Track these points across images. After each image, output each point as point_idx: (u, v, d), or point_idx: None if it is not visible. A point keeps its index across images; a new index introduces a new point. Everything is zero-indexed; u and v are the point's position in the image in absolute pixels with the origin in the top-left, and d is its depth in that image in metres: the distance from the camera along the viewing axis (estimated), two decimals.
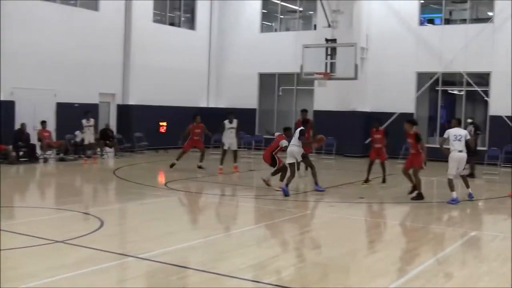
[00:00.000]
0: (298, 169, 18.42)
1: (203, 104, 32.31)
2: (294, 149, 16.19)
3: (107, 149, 25.62)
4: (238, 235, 11.18)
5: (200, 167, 20.98)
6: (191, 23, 32.49)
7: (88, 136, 23.51)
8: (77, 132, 24.06)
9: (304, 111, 20.31)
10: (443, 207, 15.08)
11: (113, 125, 27.66)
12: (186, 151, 21.08)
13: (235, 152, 20.74)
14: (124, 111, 28.48)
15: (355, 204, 15.08)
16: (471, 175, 20.67)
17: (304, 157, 16.95)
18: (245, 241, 10.59)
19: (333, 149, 27.20)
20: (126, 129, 27.97)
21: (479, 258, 9.94)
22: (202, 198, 16.03)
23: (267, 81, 32.22)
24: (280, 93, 31.93)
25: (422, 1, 28.53)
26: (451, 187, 15.06)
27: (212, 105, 32.73)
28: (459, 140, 15.13)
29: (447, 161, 15.35)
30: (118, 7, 27.90)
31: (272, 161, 16.64)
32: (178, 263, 8.79)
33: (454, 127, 15.62)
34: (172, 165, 20.48)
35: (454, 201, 14.94)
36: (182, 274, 8.34)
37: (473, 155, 21.05)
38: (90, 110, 24.07)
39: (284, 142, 16.51)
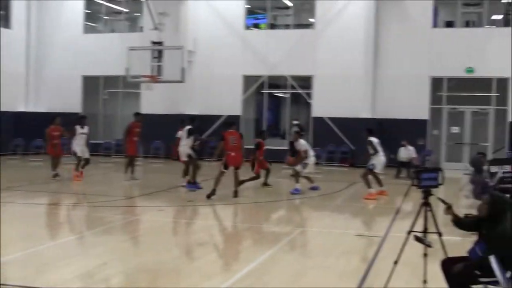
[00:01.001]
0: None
1: (21, 108, 30.77)
2: (180, 148, 17.85)
3: None
4: (62, 245, 10.71)
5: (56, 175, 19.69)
6: (5, 21, 30.45)
7: None
8: None
9: (138, 114, 20.64)
10: (270, 207, 15.54)
11: None
12: (54, 157, 19.81)
13: (86, 160, 19.78)
14: None
15: (184, 208, 15.14)
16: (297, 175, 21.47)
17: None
18: (71, 251, 10.16)
19: (161, 153, 27.19)
20: None
21: (304, 253, 10.34)
22: (26, 208, 15.04)
23: (91, 84, 31.43)
24: (106, 96, 31.31)
25: (248, 6, 29.19)
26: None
27: (31, 109, 31.22)
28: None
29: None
30: None
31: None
32: None
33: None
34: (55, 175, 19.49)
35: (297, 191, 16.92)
36: None
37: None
38: None
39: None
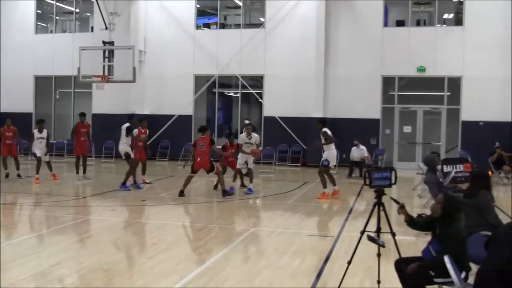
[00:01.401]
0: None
1: None
2: (120, 147, 18.10)
3: None
4: (15, 245, 10.65)
5: (18, 175, 20.08)
6: None
7: None
8: None
9: (83, 115, 20.83)
10: (223, 207, 15.56)
11: None
12: (5, 157, 20.15)
13: (48, 163, 19.95)
14: None
15: (137, 207, 15.07)
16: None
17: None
18: (23, 251, 10.13)
19: (113, 153, 26.96)
20: None
21: (257, 253, 10.37)
22: None
23: (43, 84, 31.18)
24: (57, 96, 31.02)
25: (198, 6, 29.11)
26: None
27: None
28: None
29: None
30: None
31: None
32: None
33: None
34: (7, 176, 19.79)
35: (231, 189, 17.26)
36: None
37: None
38: None
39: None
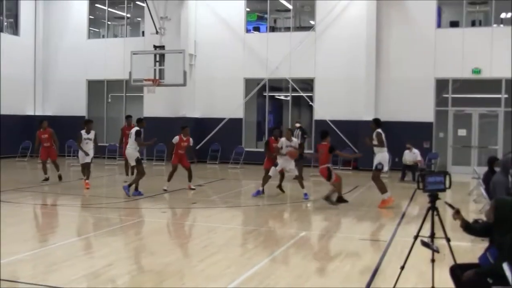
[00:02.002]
0: (132, 173, 18.57)
1: (30, 112, 31.11)
2: (128, 151, 17.28)
3: None
4: (69, 246, 10.78)
5: (59, 177, 19.95)
6: (14, 28, 31.15)
7: None
8: None
9: (129, 117, 20.98)
10: (273, 210, 15.48)
11: None
12: (44, 161, 20.02)
13: (86, 165, 18.92)
14: None
15: (188, 210, 15.10)
16: (299, 177, 21.37)
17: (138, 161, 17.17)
18: (77, 251, 10.27)
19: (164, 155, 27.14)
20: None
21: (308, 257, 10.24)
22: (33, 209, 15.32)
23: (95, 88, 31.63)
24: (109, 100, 31.43)
25: (248, 9, 29.12)
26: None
27: (39, 112, 31.55)
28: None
29: None
30: None
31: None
32: (7, 278, 8.36)
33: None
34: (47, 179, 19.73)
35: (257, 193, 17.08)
36: None
37: (300, 158, 21.81)
38: None
39: (175, 138, 18.06)
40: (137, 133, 16.99)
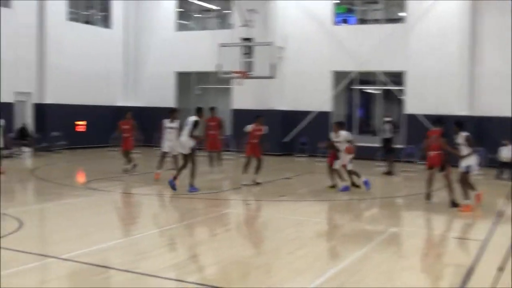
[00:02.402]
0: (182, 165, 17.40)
1: (120, 103, 31.66)
2: (183, 139, 15.82)
3: (25, 148, 24.93)
4: (158, 234, 10.95)
5: (126, 170, 19.66)
6: (106, 21, 31.84)
7: None
8: None
9: (212, 109, 20.96)
10: (363, 204, 15.20)
11: (30, 125, 26.88)
12: (126, 150, 19.89)
13: (175, 157, 18.37)
14: (41, 110, 27.73)
15: (276, 202, 14.98)
16: (389, 172, 20.99)
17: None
18: (166, 240, 10.41)
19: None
20: (43, 128, 27.28)
21: (398, 254, 9.95)
22: (122, 198, 15.63)
23: (184, 80, 32.00)
24: (198, 92, 31.71)
25: (337, 1, 28.77)
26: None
27: (130, 104, 32.12)
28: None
29: None
30: (31, 4, 27.14)
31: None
32: (100, 263, 8.59)
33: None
34: (126, 170, 19.59)
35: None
36: (105, 274, 8.17)
37: (391, 153, 21.42)
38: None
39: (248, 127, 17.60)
40: (195, 124, 15.91)
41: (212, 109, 21.00)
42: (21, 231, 10.50)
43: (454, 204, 14.12)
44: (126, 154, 20.01)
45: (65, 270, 8.29)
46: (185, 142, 15.67)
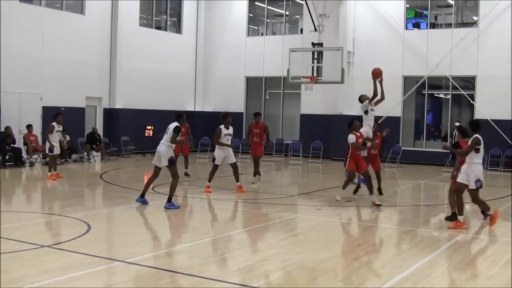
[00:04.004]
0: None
1: (190, 107, 32.24)
2: (161, 149, 14.28)
3: (94, 153, 25.63)
4: (225, 239, 11.12)
5: (186, 174, 19.62)
6: (177, 27, 32.54)
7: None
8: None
9: (258, 114, 19.95)
10: (430, 211, 15.14)
11: (99, 129, 27.62)
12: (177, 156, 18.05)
13: (234, 166, 17.17)
14: (111, 114, 28.46)
15: (343, 207, 15.07)
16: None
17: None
18: (232, 245, 10.56)
19: (320, 153, 27.29)
20: (112, 133, 28.01)
21: (465, 261, 9.93)
22: (188, 202, 15.92)
23: (254, 84, 32.31)
24: (267, 97, 31.97)
25: (408, 6, 28.60)
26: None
27: (199, 108, 32.75)
28: None
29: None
30: (104, 11, 27.92)
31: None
32: (166, 267, 8.77)
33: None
34: (186, 174, 19.45)
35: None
36: (170, 278, 8.32)
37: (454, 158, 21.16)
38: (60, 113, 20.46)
39: (351, 137, 15.28)
40: (176, 130, 14.21)
41: (256, 115, 19.85)
42: (88, 234, 10.80)
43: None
44: (185, 158, 19.92)
45: (130, 274, 8.45)
46: (164, 153, 14.11)
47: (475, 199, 12.90)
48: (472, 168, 12.29)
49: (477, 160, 12.25)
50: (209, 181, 16.93)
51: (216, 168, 16.94)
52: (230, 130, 16.92)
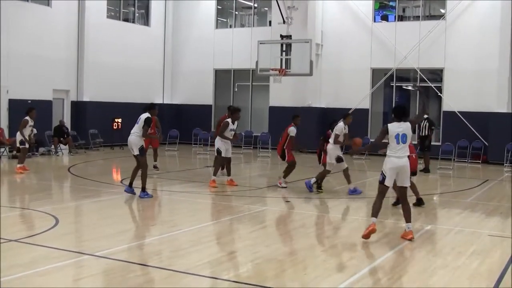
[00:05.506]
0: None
1: (158, 100, 32.04)
2: (132, 138, 14.44)
3: (62, 146, 25.39)
4: (194, 232, 11.05)
5: (155, 166, 19.73)
6: (145, 19, 32.33)
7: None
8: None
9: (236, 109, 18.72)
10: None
11: (67, 122, 27.34)
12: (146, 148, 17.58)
13: (228, 160, 17.26)
14: (79, 107, 28.19)
15: (311, 200, 15.12)
16: (426, 169, 20.97)
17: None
18: (201, 238, 10.52)
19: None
20: (80, 126, 27.75)
21: (433, 252, 10.02)
22: (157, 195, 15.83)
23: (222, 77, 32.25)
24: (236, 89, 31.94)
25: None
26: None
27: (167, 101, 32.57)
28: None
29: None
30: (71, 3, 27.64)
31: (282, 155, 16.66)
32: (135, 261, 8.74)
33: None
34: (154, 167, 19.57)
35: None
36: (140, 271, 8.29)
37: (428, 150, 21.39)
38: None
39: (292, 130, 16.31)
40: (146, 121, 14.38)
41: (230, 108, 18.58)
42: (56, 228, 10.73)
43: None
44: (154, 151, 19.85)
45: (99, 267, 8.40)
46: (135, 142, 14.33)
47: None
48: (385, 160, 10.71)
49: (389, 152, 10.56)
50: (215, 174, 16.88)
51: (222, 160, 16.93)
52: (235, 125, 17.02)
